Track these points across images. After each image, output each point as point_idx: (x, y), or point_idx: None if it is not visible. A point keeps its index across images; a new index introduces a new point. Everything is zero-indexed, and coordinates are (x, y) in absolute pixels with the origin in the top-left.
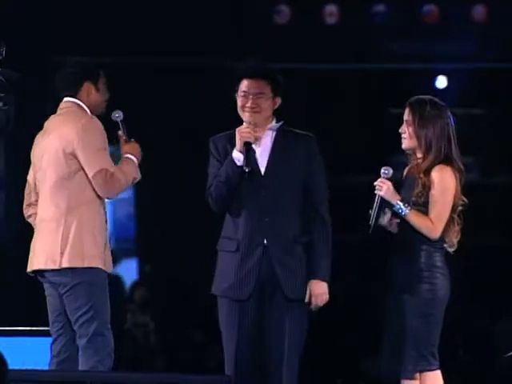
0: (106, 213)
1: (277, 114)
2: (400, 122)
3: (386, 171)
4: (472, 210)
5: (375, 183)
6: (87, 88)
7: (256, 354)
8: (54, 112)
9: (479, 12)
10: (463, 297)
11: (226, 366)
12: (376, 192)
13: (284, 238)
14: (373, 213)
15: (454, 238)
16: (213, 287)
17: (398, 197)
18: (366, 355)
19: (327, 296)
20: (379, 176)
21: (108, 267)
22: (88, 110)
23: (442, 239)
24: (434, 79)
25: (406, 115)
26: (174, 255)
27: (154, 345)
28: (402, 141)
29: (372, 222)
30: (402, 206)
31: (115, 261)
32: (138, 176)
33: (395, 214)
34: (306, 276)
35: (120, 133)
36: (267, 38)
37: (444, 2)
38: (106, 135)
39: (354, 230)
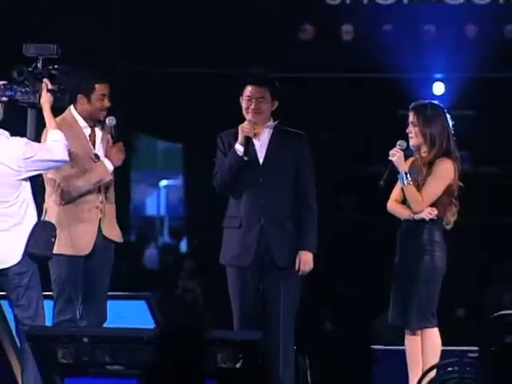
0: None
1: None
2: (405, 122)
3: (402, 143)
4: (465, 194)
5: (390, 151)
6: (80, 100)
7: (257, 312)
8: None
9: (470, 30)
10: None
11: (234, 322)
12: (389, 158)
13: (277, 217)
14: (385, 174)
15: (451, 218)
16: (220, 258)
17: (406, 168)
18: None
19: (312, 264)
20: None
21: None
22: (80, 118)
23: (441, 219)
24: (432, 86)
25: (411, 118)
26: (216, 231)
27: (201, 306)
28: (409, 139)
29: (382, 180)
30: (404, 178)
31: (168, 237)
32: (106, 177)
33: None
34: (295, 248)
35: (108, 136)
36: (294, 51)
37: (440, 22)
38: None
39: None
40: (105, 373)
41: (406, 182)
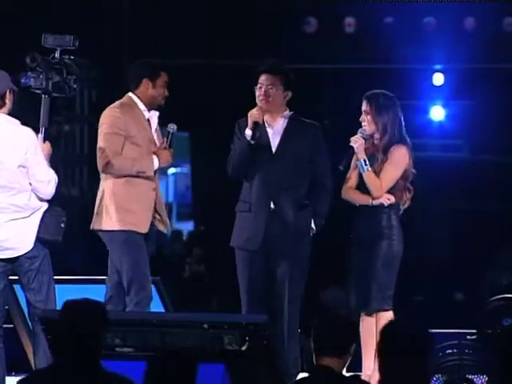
0: None
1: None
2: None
3: (363, 131)
4: (465, 181)
5: (352, 138)
6: (145, 84)
7: (265, 296)
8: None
9: (469, 23)
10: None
11: (242, 304)
12: (351, 144)
13: (287, 202)
14: (344, 160)
15: (407, 201)
16: (231, 241)
17: (364, 155)
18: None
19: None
20: None
21: None
22: (139, 102)
23: (397, 203)
24: (431, 77)
25: (364, 106)
26: (222, 217)
27: (208, 290)
28: (363, 127)
29: (341, 165)
30: (364, 164)
31: (176, 222)
32: (148, 172)
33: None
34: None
35: (164, 139)
36: (299, 43)
37: (440, 14)
38: (116, 122)
39: None
40: (115, 355)
41: (365, 169)
